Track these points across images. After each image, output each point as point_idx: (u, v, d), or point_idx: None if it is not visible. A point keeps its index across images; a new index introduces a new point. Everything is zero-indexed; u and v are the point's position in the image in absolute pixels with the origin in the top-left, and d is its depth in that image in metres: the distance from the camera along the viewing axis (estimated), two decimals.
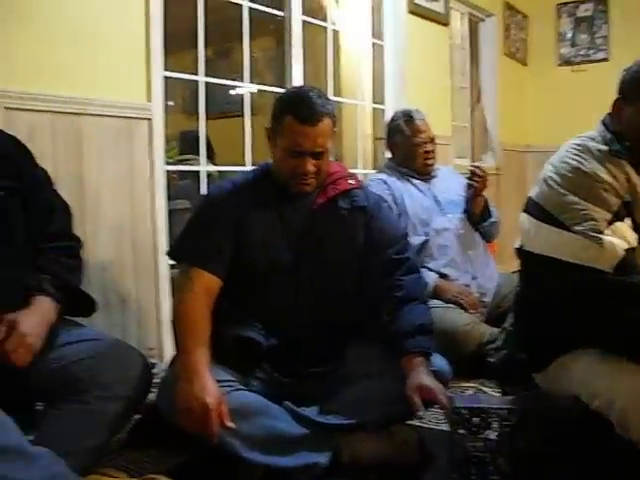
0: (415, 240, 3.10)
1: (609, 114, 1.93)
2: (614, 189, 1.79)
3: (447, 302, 3.07)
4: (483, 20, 6.00)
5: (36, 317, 1.75)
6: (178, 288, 2.09)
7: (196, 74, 3.33)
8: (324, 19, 4.27)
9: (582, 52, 6.58)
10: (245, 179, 2.18)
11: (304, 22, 3.92)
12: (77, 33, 2.58)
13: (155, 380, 2.01)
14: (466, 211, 3.35)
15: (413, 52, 4.68)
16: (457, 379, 2.57)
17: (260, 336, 2.01)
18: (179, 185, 3.95)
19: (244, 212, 2.06)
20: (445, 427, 2.00)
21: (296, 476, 1.88)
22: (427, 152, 3.36)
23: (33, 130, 2.41)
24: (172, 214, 3.09)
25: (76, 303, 1.93)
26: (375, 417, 1.97)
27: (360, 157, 4.51)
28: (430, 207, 3.30)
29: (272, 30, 5.24)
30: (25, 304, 1.77)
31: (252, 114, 3.60)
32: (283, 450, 1.87)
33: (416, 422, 2.17)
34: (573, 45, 6.63)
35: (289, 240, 2.09)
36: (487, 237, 3.46)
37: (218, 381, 1.82)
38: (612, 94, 1.91)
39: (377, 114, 4.69)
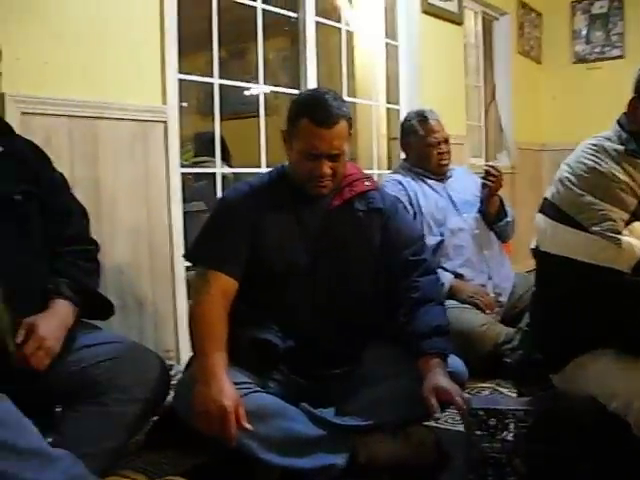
0: (431, 240, 3.09)
1: (625, 113, 1.92)
2: (631, 189, 1.78)
3: (463, 302, 3.06)
4: (497, 19, 5.97)
5: (54, 320, 1.77)
6: (195, 290, 2.09)
7: (210, 75, 3.33)
8: (338, 20, 4.27)
9: (597, 49, 6.53)
10: (261, 181, 2.18)
11: (318, 23, 3.91)
12: (93, 37, 2.59)
13: (173, 382, 2.03)
14: (481, 211, 3.34)
15: (427, 52, 4.67)
16: (473, 379, 2.56)
17: (277, 338, 2.02)
18: (194, 187, 3.95)
19: (261, 214, 2.07)
20: (462, 428, 2.00)
21: (313, 477, 1.89)
22: (441, 153, 3.35)
23: (50, 134, 2.43)
24: (187, 216, 3.10)
25: (94, 306, 1.95)
26: (392, 418, 1.98)
27: (375, 158, 4.51)
28: (445, 207, 3.29)
29: (286, 30, 5.25)
30: (43, 307, 1.79)
31: (266, 114, 3.61)
32: (300, 452, 1.88)
33: (433, 423, 2.17)
34: (588, 42, 6.58)
35: (306, 242, 2.09)
36: (502, 237, 3.45)
37: (235, 383, 1.83)
38: (628, 91, 1.90)
39: (392, 114, 4.68)
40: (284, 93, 4.04)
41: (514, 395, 2.43)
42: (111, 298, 2.02)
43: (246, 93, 5.67)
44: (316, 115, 1.99)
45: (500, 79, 6.04)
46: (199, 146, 4.44)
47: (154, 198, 2.84)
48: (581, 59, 6.61)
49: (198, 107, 6.23)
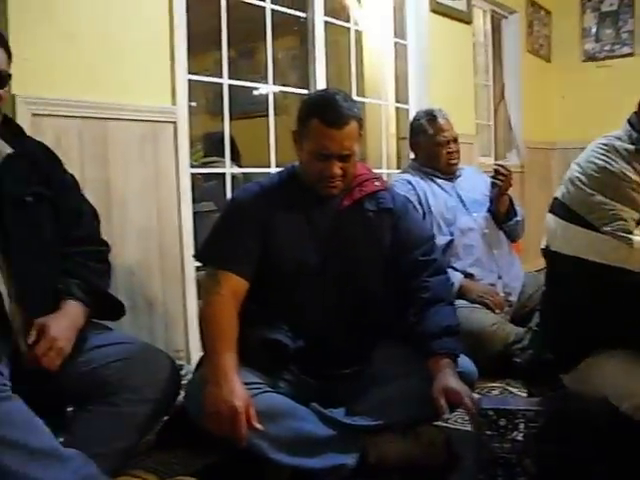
0: (440, 240, 3.09)
1: (635, 112, 1.92)
2: None
3: (473, 302, 3.05)
4: (506, 17, 5.95)
5: (66, 321, 1.78)
6: (205, 290, 2.09)
7: (219, 75, 3.34)
8: (347, 20, 4.26)
9: (607, 47, 6.51)
10: (271, 182, 2.19)
11: (326, 23, 3.91)
12: (102, 37, 2.60)
13: (183, 382, 2.03)
14: (491, 210, 3.34)
15: (436, 51, 4.66)
16: (483, 379, 2.56)
17: (287, 338, 2.02)
18: (204, 187, 3.96)
19: (271, 214, 2.07)
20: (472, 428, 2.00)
21: (323, 477, 1.89)
22: (451, 152, 3.35)
23: (60, 135, 2.43)
24: (197, 216, 3.10)
25: (104, 307, 1.95)
26: (402, 418, 1.98)
27: (384, 157, 4.50)
28: (455, 207, 3.28)
29: (295, 30, 5.25)
30: (54, 308, 1.80)
31: (276, 114, 3.61)
32: (310, 451, 1.88)
33: (443, 423, 2.17)
34: (597, 40, 6.55)
35: (316, 242, 2.10)
36: (512, 236, 3.44)
37: (246, 384, 1.83)
38: (638, 89, 1.90)
39: (401, 114, 4.68)
40: (293, 93, 4.04)
41: (524, 395, 2.43)
42: (121, 299, 2.03)
43: (255, 93, 5.67)
44: (326, 116, 1.99)
45: (509, 78, 6.03)
46: (208, 146, 4.45)
47: (164, 199, 2.85)
48: (591, 57, 6.59)
49: (207, 107, 6.24)
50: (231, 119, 3.40)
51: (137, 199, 2.73)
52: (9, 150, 1.83)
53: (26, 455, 1.47)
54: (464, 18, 5.04)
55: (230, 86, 3.36)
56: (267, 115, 3.57)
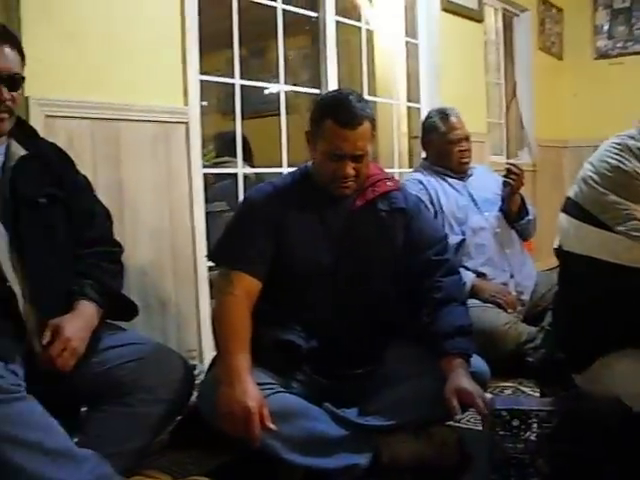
0: (452, 239, 3.08)
1: None
2: None
3: (485, 301, 3.04)
4: (517, 15, 5.93)
5: (79, 322, 1.79)
6: (218, 290, 2.10)
7: (231, 75, 3.34)
8: (358, 19, 4.26)
9: (619, 45, 6.47)
10: (284, 182, 2.19)
11: (338, 22, 3.91)
12: (114, 38, 2.61)
13: (196, 382, 2.04)
14: (502, 209, 3.33)
15: (447, 50, 4.66)
16: (495, 379, 2.55)
17: (300, 339, 2.02)
18: (216, 187, 3.96)
19: (284, 214, 2.08)
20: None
21: (336, 477, 1.89)
22: (462, 150, 3.34)
23: (72, 137, 2.44)
24: (210, 216, 3.11)
25: (118, 308, 1.96)
26: (414, 418, 1.98)
27: (396, 156, 4.50)
28: (466, 206, 3.28)
29: (307, 29, 5.25)
30: (68, 309, 1.81)
31: (287, 113, 3.61)
32: (323, 451, 1.89)
33: (455, 423, 2.17)
34: (610, 38, 6.52)
35: (329, 242, 2.10)
36: (524, 235, 3.43)
37: (259, 384, 1.83)
38: None
39: (412, 113, 4.66)
40: (305, 92, 4.04)
41: (537, 394, 2.43)
42: (134, 299, 2.04)
43: (266, 92, 5.67)
44: (340, 116, 1.99)
45: (521, 76, 6.00)
46: (221, 146, 4.44)
47: (176, 199, 2.86)
48: (603, 55, 6.55)
49: (218, 106, 6.23)
50: (243, 118, 3.40)
51: (149, 200, 2.74)
52: (23, 152, 1.84)
53: (41, 455, 1.48)
54: (475, 16, 5.02)
55: (242, 86, 3.36)
56: (279, 114, 3.57)
